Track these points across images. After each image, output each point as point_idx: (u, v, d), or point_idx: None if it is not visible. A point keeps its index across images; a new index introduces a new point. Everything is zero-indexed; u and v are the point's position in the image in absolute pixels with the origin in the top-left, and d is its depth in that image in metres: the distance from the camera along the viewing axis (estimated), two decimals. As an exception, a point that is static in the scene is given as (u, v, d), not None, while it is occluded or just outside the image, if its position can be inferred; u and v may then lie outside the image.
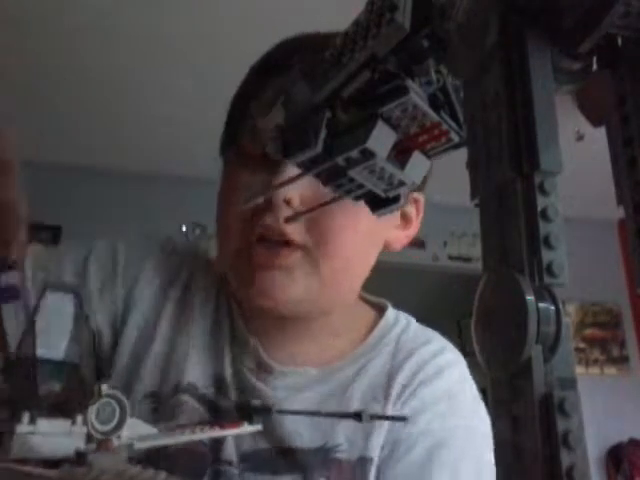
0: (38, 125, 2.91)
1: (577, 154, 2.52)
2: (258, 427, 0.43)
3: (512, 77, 0.32)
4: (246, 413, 0.42)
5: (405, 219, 0.68)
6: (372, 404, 0.60)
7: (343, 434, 0.58)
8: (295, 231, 0.56)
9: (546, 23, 0.33)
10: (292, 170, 0.53)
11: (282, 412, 0.50)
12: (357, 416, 0.41)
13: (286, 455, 0.58)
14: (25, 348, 0.38)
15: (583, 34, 0.30)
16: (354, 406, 0.59)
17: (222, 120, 0.69)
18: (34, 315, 0.38)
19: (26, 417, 0.36)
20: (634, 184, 0.31)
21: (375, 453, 0.58)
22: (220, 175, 0.65)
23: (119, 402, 0.38)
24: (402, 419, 0.49)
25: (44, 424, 0.36)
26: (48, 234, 3.12)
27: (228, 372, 0.62)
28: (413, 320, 0.71)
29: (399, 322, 0.69)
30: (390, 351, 0.67)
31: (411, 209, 0.69)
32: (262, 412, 0.42)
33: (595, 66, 0.36)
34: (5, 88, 2.70)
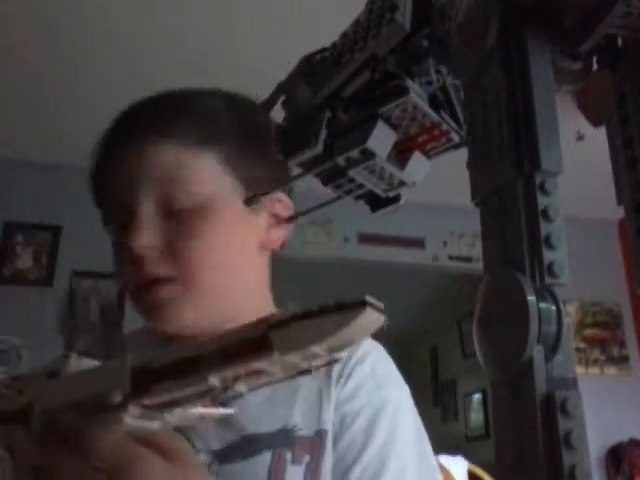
0: (38, 125, 2.92)
1: (577, 154, 2.52)
2: (231, 411, 0.44)
3: (512, 77, 0.32)
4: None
5: (277, 218, 0.74)
6: (317, 387, 0.67)
7: (299, 414, 0.65)
8: (159, 268, 0.62)
9: (546, 23, 0.33)
10: (143, 224, 0.61)
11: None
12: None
13: (252, 441, 0.63)
14: None
15: (584, 34, 0.30)
16: (302, 390, 0.67)
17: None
18: None
19: None
20: (634, 184, 0.31)
21: (328, 426, 0.66)
22: None
23: None
24: None
25: None
26: (48, 234, 3.12)
27: None
28: None
29: None
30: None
31: (279, 207, 0.72)
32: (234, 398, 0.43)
33: (595, 66, 0.36)
34: (5, 84, 2.71)
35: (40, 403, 0.36)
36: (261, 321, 0.31)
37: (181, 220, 0.63)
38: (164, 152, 0.63)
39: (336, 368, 0.69)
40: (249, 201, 0.67)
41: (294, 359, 0.30)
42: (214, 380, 0.31)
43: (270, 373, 0.31)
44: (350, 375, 0.69)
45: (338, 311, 0.29)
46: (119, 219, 0.65)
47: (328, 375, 0.68)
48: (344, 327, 0.29)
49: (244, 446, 0.62)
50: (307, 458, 0.62)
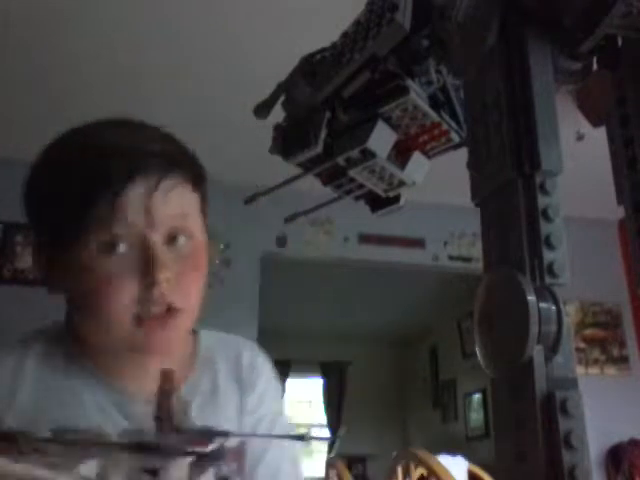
0: (38, 125, 2.91)
1: (577, 154, 2.52)
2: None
3: (512, 77, 0.32)
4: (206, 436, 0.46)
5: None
6: (234, 398, 0.77)
7: (227, 427, 0.72)
8: (175, 299, 0.65)
9: (546, 23, 0.33)
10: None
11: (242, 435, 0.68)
12: (300, 437, 0.48)
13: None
14: None
15: (584, 34, 0.30)
16: (224, 404, 0.75)
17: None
18: None
19: None
20: (634, 184, 0.31)
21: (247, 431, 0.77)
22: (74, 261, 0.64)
23: None
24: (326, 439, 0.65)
25: None
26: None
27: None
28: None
29: (205, 333, 0.84)
30: (226, 355, 0.81)
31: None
32: (220, 435, 0.47)
33: (595, 66, 0.36)
34: (8, 88, 2.71)
35: None
36: None
37: (184, 254, 0.66)
38: (181, 193, 0.66)
39: (244, 380, 0.78)
40: (249, 201, 0.67)
41: None
42: None
43: None
44: (255, 384, 0.79)
45: None
46: (113, 241, 0.63)
47: (240, 386, 0.78)
48: None
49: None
50: (234, 465, 0.67)
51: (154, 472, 0.40)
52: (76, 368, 0.69)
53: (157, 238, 0.64)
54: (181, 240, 0.66)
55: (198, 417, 0.66)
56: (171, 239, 0.65)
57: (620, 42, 0.32)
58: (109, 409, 0.69)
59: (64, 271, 0.65)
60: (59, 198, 0.64)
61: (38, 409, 0.65)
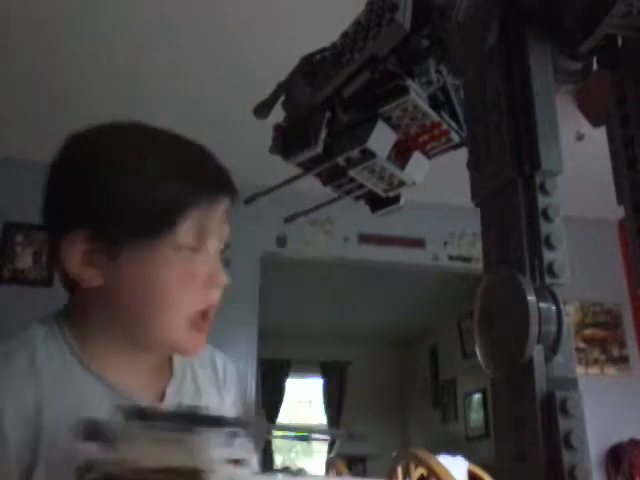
0: (38, 125, 2.91)
1: (577, 154, 2.52)
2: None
3: (512, 77, 0.32)
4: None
5: None
6: (215, 400, 0.80)
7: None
8: None
9: (546, 23, 0.33)
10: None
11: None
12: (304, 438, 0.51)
13: None
14: None
15: (584, 34, 0.30)
16: (207, 405, 0.76)
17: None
18: None
19: None
20: (634, 184, 0.31)
21: None
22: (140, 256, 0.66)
23: None
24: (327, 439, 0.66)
25: None
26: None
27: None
28: None
29: None
30: (200, 359, 0.82)
31: None
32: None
33: (595, 66, 0.36)
34: (10, 88, 2.71)
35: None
36: None
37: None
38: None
39: (221, 382, 0.82)
40: (249, 201, 0.68)
41: None
42: None
43: None
44: (231, 383, 0.83)
45: None
46: (194, 244, 0.68)
47: (218, 391, 0.80)
48: None
49: None
50: None
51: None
52: (81, 369, 0.69)
53: (219, 248, 0.71)
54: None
55: None
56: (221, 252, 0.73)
57: (620, 42, 0.32)
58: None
59: (127, 269, 0.66)
60: (155, 198, 0.66)
61: (65, 419, 0.64)
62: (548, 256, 0.29)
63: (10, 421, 0.62)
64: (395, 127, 0.44)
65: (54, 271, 0.73)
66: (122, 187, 0.65)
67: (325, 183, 0.51)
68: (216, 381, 0.82)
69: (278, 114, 0.52)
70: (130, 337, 0.69)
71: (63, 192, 0.68)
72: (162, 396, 0.74)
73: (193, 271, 0.67)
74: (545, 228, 0.29)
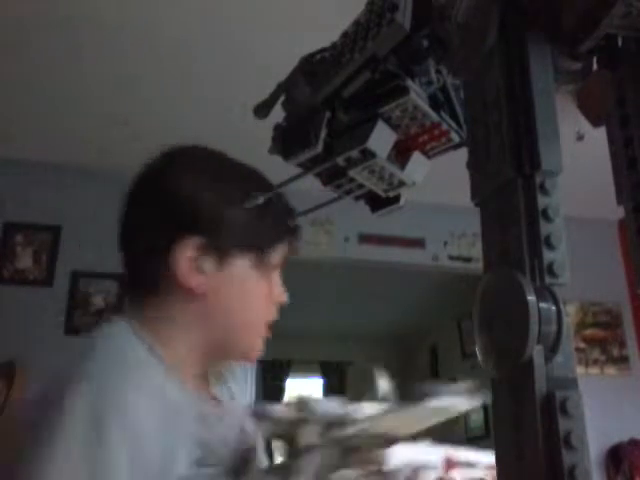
0: (38, 125, 2.91)
1: (577, 154, 2.52)
2: None
3: (512, 77, 0.32)
4: None
5: None
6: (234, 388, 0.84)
7: None
8: None
9: (546, 23, 0.33)
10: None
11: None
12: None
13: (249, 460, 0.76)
14: None
15: (583, 34, 0.30)
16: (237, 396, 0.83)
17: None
18: None
19: None
20: (634, 184, 0.31)
21: None
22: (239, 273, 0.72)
23: None
24: None
25: None
26: (48, 234, 3.11)
27: None
28: None
29: None
30: None
31: None
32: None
33: (595, 66, 0.36)
34: (11, 88, 2.71)
35: None
36: None
37: None
38: None
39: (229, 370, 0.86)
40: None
41: None
42: None
43: None
44: (235, 373, 0.87)
45: None
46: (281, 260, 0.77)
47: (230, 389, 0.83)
48: None
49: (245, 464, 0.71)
50: None
51: None
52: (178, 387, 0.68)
53: None
54: None
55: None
56: None
57: (620, 42, 0.32)
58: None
59: (231, 279, 0.71)
60: (267, 222, 0.73)
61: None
62: (548, 256, 0.29)
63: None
64: (395, 127, 0.44)
65: (155, 273, 0.70)
66: (241, 202, 0.70)
67: (325, 183, 0.51)
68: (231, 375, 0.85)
69: (278, 114, 0.52)
70: (216, 343, 0.72)
71: (184, 196, 0.69)
72: (213, 398, 0.76)
73: (274, 288, 0.76)
74: (545, 228, 0.29)
